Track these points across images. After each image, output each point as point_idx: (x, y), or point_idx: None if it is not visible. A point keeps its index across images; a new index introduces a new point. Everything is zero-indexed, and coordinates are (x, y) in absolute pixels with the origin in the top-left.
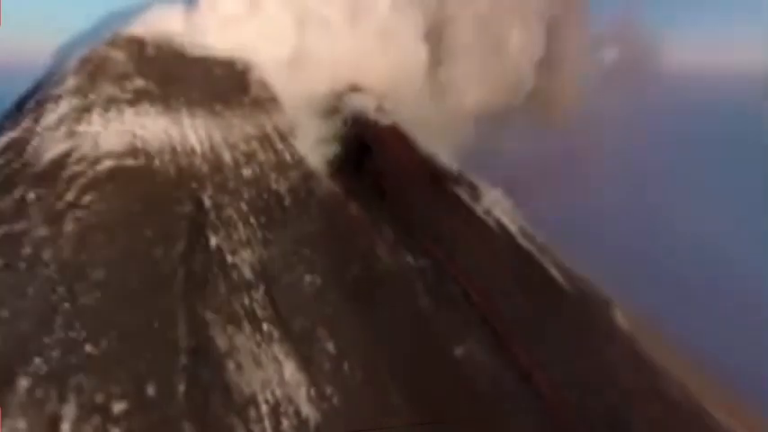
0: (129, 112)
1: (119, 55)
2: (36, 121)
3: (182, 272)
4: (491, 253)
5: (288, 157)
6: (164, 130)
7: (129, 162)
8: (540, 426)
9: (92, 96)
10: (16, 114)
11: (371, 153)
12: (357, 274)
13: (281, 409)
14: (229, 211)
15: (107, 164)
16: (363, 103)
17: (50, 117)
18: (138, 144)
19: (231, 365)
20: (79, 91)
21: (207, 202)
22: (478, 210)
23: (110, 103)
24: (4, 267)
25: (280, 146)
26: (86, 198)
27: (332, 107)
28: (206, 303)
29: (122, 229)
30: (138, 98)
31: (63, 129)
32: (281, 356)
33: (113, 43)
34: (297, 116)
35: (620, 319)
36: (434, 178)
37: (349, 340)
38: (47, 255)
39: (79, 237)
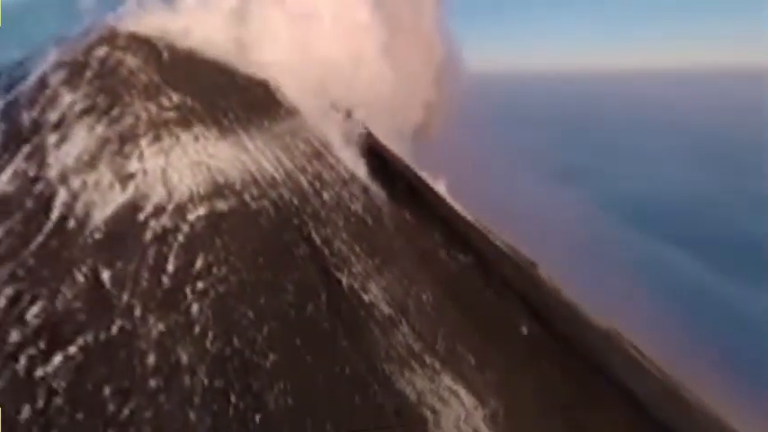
0: (185, 138)
1: (131, 59)
2: (39, 164)
3: (339, 326)
4: (486, 241)
5: (343, 172)
6: (234, 157)
7: (221, 205)
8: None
9: (125, 118)
10: None
11: (385, 159)
12: (443, 281)
13: None
14: (337, 244)
15: (199, 212)
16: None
17: (63, 154)
18: (219, 179)
19: (428, 414)
20: (96, 111)
21: (316, 239)
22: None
23: (156, 126)
24: (122, 396)
25: (332, 160)
26: (198, 263)
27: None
28: (376, 355)
29: (261, 293)
30: (185, 118)
31: (104, 169)
32: (453, 386)
33: (114, 43)
34: (320, 127)
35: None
36: (417, 178)
37: (476, 348)
38: (186, 357)
39: (219, 319)
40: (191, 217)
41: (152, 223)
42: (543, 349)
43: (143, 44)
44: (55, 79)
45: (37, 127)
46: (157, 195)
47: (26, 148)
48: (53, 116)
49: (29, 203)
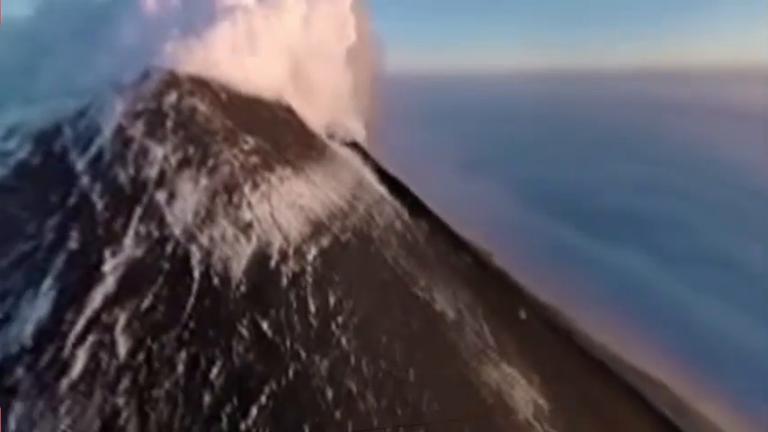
0: (273, 181)
1: (200, 104)
2: (158, 224)
3: (432, 335)
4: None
5: (376, 194)
6: (311, 194)
7: (324, 242)
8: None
9: (221, 168)
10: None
11: (387, 175)
12: (463, 280)
13: None
14: (402, 262)
15: (312, 252)
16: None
17: (179, 211)
18: (312, 217)
19: (507, 399)
20: (193, 163)
21: (389, 260)
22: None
23: (250, 173)
24: (319, 431)
25: (366, 184)
26: (331, 300)
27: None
28: (461, 356)
29: (381, 318)
30: (266, 161)
31: (223, 222)
32: (512, 372)
33: (180, 88)
34: (342, 153)
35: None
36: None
37: (507, 336)
38: (353, 385)
39: (364, 346)
40: (309, 257)
41: (283, 269)
42: (535, 328)
43: (204, 87)
44: (136, 131)
45: (140, 185)
46: (277, 241)
47: (138, 209)
48: (152, 172)
49: (166, 266)
